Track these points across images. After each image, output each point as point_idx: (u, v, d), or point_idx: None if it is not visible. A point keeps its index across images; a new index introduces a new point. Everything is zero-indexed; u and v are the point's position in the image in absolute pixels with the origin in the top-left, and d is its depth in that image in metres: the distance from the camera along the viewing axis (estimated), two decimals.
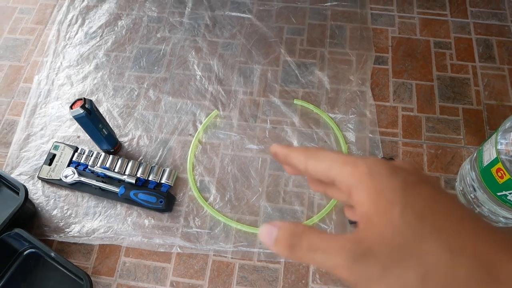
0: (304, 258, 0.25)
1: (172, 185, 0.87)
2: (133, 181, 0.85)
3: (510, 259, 0.20)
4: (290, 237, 0.25)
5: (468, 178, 0.82)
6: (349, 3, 1.16)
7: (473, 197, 0.80)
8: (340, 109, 0.98)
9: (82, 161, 0.88)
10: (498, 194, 0.72)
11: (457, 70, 1.05)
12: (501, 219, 0.78)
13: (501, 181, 0.70)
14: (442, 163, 0.92)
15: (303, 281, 0.80)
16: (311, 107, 0.97)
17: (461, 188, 0.85)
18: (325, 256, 0.24)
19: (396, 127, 0.96)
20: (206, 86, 1.01)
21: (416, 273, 0.21)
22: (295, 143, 0.93)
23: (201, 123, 0.95)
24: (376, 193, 0.24)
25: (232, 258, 0.82)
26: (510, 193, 0.70)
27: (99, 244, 0.83)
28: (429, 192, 0.24)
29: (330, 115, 0.97)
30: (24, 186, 0.79)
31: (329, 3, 1.16)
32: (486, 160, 0.72)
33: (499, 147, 0.68)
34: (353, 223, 0.83)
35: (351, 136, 0.94)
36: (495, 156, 0.69)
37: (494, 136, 0.70)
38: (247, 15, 1.13)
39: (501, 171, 0.69)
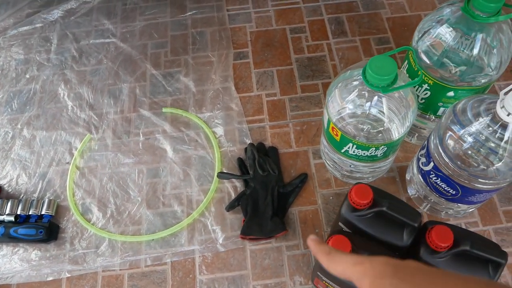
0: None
1: (53, 214, 0.89)
2: (13, 219, 0.87)
3: None
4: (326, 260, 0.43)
5: (322, 146, 0.89)
6: (207, 9, 1.22)
7: (333, 162, 0.87)
8: (207, 108, 1.03)
9: None
10: (342, 151, 0.78)
11: (313, 50, 1.12)
12: (366, 170, 0.84)
13: (337, 138, 0.76)
14: (308, 136, 0.98)
15: (191, 275, 0.83)
16: (179, 112, 1.01)
17: (325, 157, 0.91)
18: None
19: (262, 114, 1.02)
20: (78, 114, 1.04)
21: None
22: (168, 148, 0.97)
23: (77, 150, 0.97)
24: (374, 277, 0.35)
25: (120, 270, 0.85)
26: (348, 147, 0.76)
27: None
28: (407, 269, 0.36)
29: (199, 115, 1.01)
30: None
31: (189, 13, 1.21)
32: (325, 123, 0.78)
33: (329, 109, 0.74)
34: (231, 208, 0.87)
35: (220, 131, 0.99)
36: (327, 117, 0.75)
37: (326, 100, 0.76)
38: (111, 40, 1.17)
39: (335, 130, 0.75)
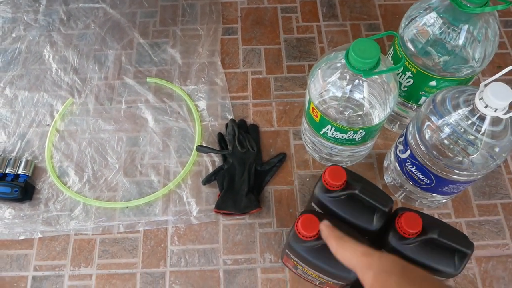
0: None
1: (30, 174, 0.89)
2: None
3: None
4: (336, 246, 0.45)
5: (302, 127, 0.89)
6: None
7: (312, 144, 0.87)
8: (191, 80, 1.02)
9: None
10: (321, 133, 0.78)
11: (303, 31, 1.12)
12: (345, 154, 0.84)
13: (317, 119, 0.76)
14: (290, 117, 0.98)
15: (162, 245, 0.84)
16: (163, 82, 1.01)
17: (304, 139, 0.91)
18: None
19: (246, 91, 1.01)
20: (62, 77, 1.03)
21: None
22: (149, 118, 0.97)
23: (58, 112, 0.96)
24: (380, 271, 0.36)
25: (93, 234, 0.85)
26: (327, 129, 0.76)
27: None
28: (415, 273, 0.37)
29: (183, 87, 1.01)
30: None
31: None
32: (306, 103, 0.78)
33: (311, 90, 0.74)
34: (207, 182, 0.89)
35: (203, 104, 0.99)
36: (308, 97, 0.75)
37: (309, 81, 0.76)
38: (100, 5, 1.15)
39: (315, 110, 0.75)
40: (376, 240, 0.68)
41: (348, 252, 0.40)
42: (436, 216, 0.87)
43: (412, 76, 0.76)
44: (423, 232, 0.63)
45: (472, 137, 0.63)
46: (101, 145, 0.94)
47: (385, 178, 0.89)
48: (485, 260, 0.83)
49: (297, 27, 1.12)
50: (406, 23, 0.74)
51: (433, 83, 0.74)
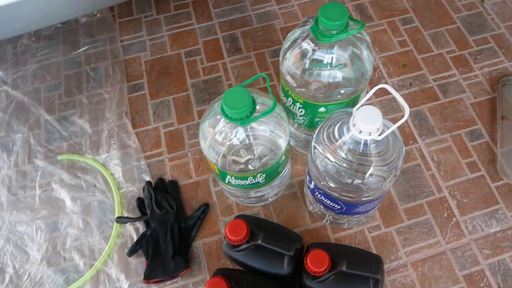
0: None
1: None
2: None
3: None
4: None
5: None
6: (101, 43, 1.19)
7: (229, 192, 0.85)
8: (103, 149, 1.00)
9: None
10: (226, 182, 0.77)
11: (209, 72, 1.10)
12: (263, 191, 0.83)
13: (216, 171, 0.74)
14: (207, 164, 0.97)
15: None
16: (75, 157, 0.99)
17: (221, 186, 0.89)
18: None
19: (160, 147, 0.99)
20: None
21: None
22: (66, 198, 0.95)
23: None
24: None
25: None
26: (229, 179, 0.74)
27: None
28: None
29: (96, 157, 0.98)
30: None
31: (82, 49, 1.18)
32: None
33: (201, 143, 0.73)
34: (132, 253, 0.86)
35: (118, 171, 0.96)
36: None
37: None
38: (2, 88, 1.13)
39: (211, 163, 0.73)
40: (292, 282, 0.66)
41: None
42: (366, 232, 0.85)
43: (302, 106, 0.75)
44: (333, 266, 0.62)
45: (360, 160, 0.62)
46: (20, 239, 0.90)
47: (308, 206, 0.87)
48: (420, 263, 0.82)
49: (202, 69, 1.11)
50: (283, 56, 0.72)
51: (322, 109, 0.74)
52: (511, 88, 1.00)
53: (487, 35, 1.12)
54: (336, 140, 0.63)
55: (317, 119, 0.77)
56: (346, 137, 0.62)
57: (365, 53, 0.69)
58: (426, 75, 1.05)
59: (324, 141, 0.64)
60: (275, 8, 1.20)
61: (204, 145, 0.70)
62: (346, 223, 0.84)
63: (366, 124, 0.56)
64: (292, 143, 0.93)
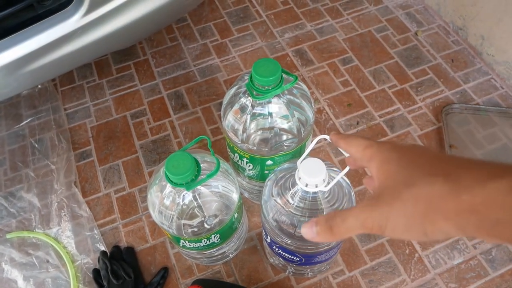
0: (342, 231, 0.34)
1: None
2: None
3: (467, 170, 0.29)
4: (326, 222, 0.35)
5: None
6: (44, 113, 1.17)
7: (187, 255, 0.83)
8: (54, 222, 0.97)
9: None
10: (181, 245, 0.74)
11: (157, 131, 1.09)
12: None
13: (169, 236, 0.72)
14: None
15: None
16: (25, 234, 0.95)
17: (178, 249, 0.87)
18: (355, 218, 0.33)
19: (113, 213, 0.97)
20: None
21: (410, 197, 0.30)
22: (18, 278, 0.91)
23: None
24: (381, 162, 0.36)
25: None
26: (183, 242, 0.72)
27: None
28: (412, 153, 0.35)
29: (47, 231, 0.95)
30: None
31: (25, 121, 1.15)
32: None
33: (150, 211, 0.70)
34: None
35: (71, 244, 0.93)
36: None
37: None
38: None
39: (162, 229, 0.71)
40: None
41: (354, 148, 0.42)
42: (331, 278, 0.85)
43: (249, 161, 0.75)
44: None
45: (312, 206, 0.63)
46: None
47: (269, 258, 0.86)
48: None
49: (150, 129, 1.10)
50: (223, 114, 0.73)
51: (270, 162, 0.74)
52: (455, 116, 1.03)
53: (425, 67, 1.15)
54: (285, 195, 0.63)
55: (267, 172, 0.77)
56: (294, 190, 0.61)
57: (303, 102, 0.69)
58: (372, 112, 1.07)
59: (273, 197, 0.64)
60: (216, 61, 1.21)
61: (153, 212, 0.69)
62: (309, 272, 0.83)
63: (310, 177, 0.56)
64: (246, 195, 0.92)
